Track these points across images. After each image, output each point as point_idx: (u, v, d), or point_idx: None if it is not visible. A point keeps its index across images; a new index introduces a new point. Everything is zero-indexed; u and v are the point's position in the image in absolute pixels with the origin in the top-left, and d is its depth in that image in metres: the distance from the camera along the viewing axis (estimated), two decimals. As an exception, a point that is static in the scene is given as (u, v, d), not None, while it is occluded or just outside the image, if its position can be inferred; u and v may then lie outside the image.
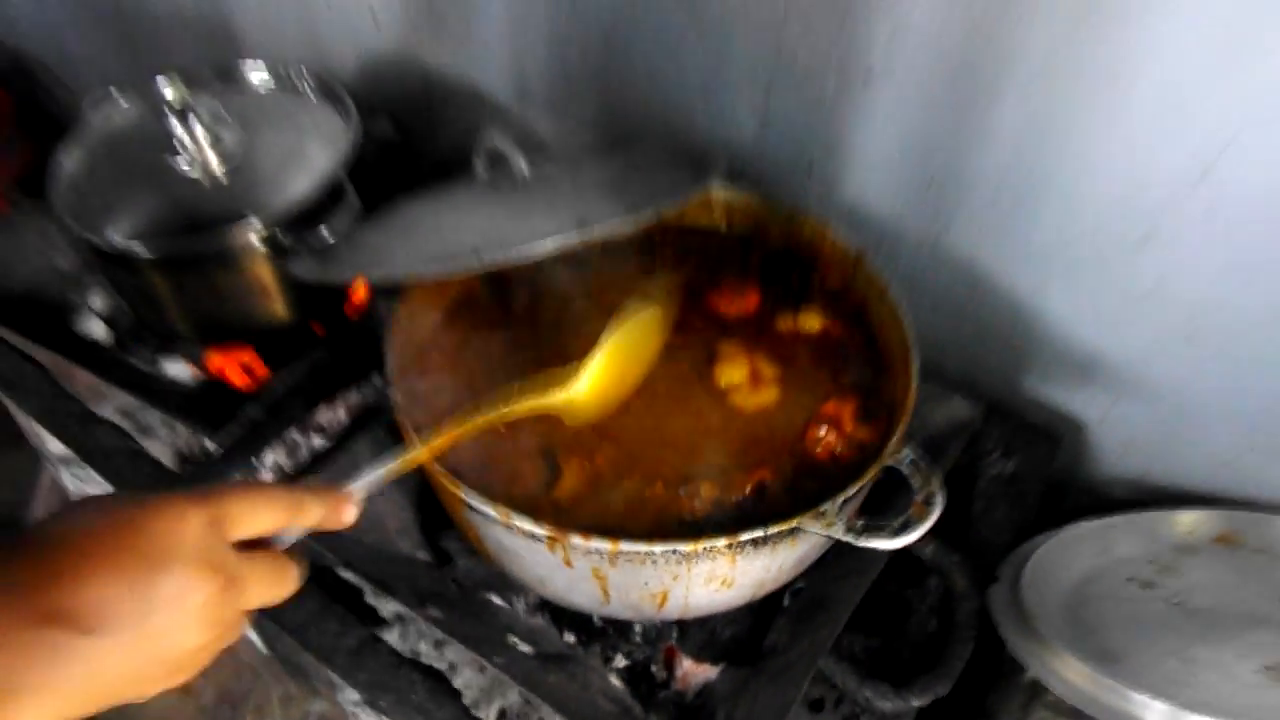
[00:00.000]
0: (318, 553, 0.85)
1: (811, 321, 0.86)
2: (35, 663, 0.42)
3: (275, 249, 0.95)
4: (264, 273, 0.98)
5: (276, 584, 0.51)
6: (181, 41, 1.59)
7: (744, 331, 0.86)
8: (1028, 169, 0.84)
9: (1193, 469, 0.94)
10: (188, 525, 0.46)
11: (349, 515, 0.56)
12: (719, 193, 0.93)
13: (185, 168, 0.98)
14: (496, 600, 0.87)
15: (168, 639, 0.45)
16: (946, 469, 0.90)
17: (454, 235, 0.81)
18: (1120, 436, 0.98)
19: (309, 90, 1.09)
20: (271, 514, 0.51)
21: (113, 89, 1.06)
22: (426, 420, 0.74)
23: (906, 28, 0.81)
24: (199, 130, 0.98)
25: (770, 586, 0.75)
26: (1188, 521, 0.89)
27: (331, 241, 0.93)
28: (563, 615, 0.86)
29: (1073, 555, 0.85)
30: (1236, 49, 0.68)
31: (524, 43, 1.14)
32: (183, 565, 0.45)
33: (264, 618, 0.76)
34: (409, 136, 1.32)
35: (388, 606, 0.87)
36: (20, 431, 1.72)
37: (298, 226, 0.93)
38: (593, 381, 0.72)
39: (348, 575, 0.87)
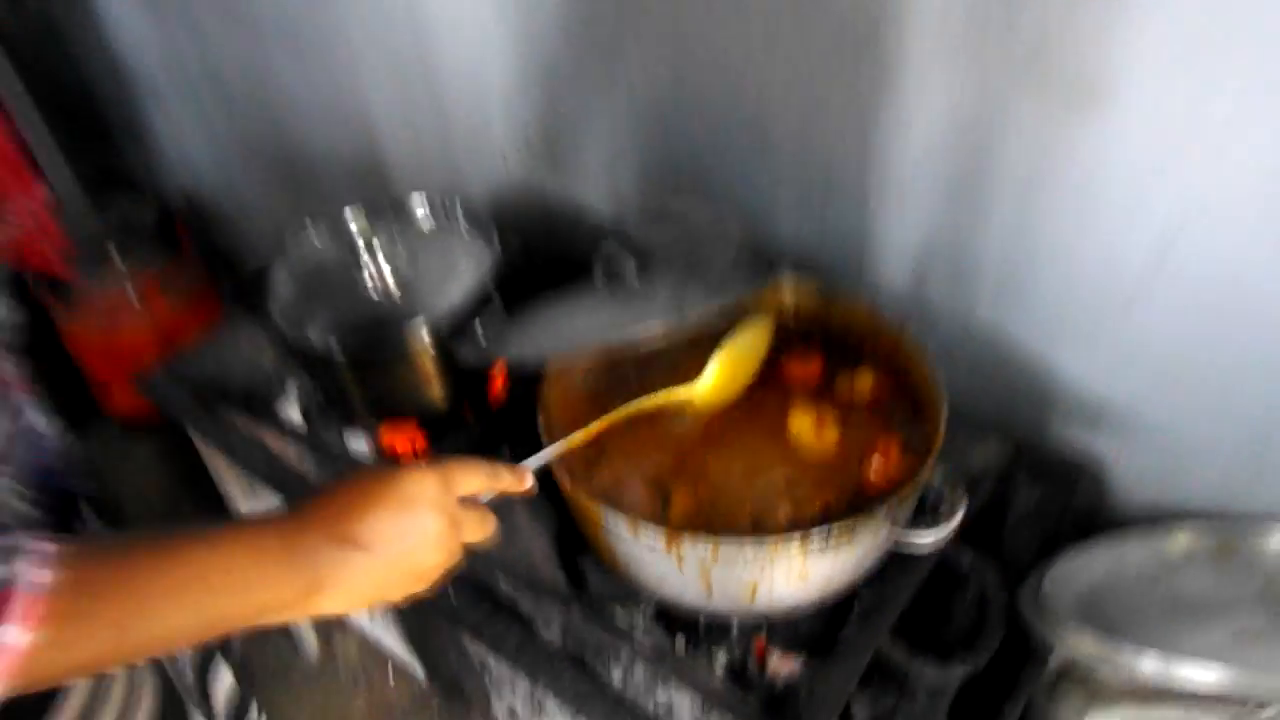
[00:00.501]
0: (485, 571, 1.10)
1: (864, 382, 1.06)
2: (334, 568, 0.64)
3: (438, 347, 1.19)
4: (428, 366, 1.21)
5: (483, 526, 0.72)
6: (338, 180, 1.89)
7: (811, 391, 1.07)
8: (1026, 260, 1.04)
9: (1193, 493, 1.10)
10: (428, 483, 0.68)
11: (528, 482, 0.77)
12: (788, 283, 1.13)
13: (367, 283, 1.25)
14: (621, 612, 1.09)
15: (414, 558, 0.67)
16: (982, 499, 1.10)
17: (584, 325, 1.06)
18: (1133, 470, 1.14)
19: (459, 219, 1.36)
20: (480, 478, 0.72)
21: (309, 224, 1.34)
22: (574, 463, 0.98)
23: (923, 150, 1.03)
24: (377, 254, 1.24)
25: (837, 584, 0.95)
26: (1188, 535, 1.05)
27: (484, 337, 1.18)
28: (674, 625, 1.07)
29: (1089, 562, 1.03)
30: (1171, 161, 0.88)
31: (623, 173, 1.39)
32: (425, 508, 0.67)
33: (449, 620, 1.00)
34: (530, 250, 1.58)
35: (538, 616, 1.10)
36: (202, 506, 2.00)
37: (456, 327, 1.18)
38: (714, 380, 0.95)
39: (510, 591, 1.10)
